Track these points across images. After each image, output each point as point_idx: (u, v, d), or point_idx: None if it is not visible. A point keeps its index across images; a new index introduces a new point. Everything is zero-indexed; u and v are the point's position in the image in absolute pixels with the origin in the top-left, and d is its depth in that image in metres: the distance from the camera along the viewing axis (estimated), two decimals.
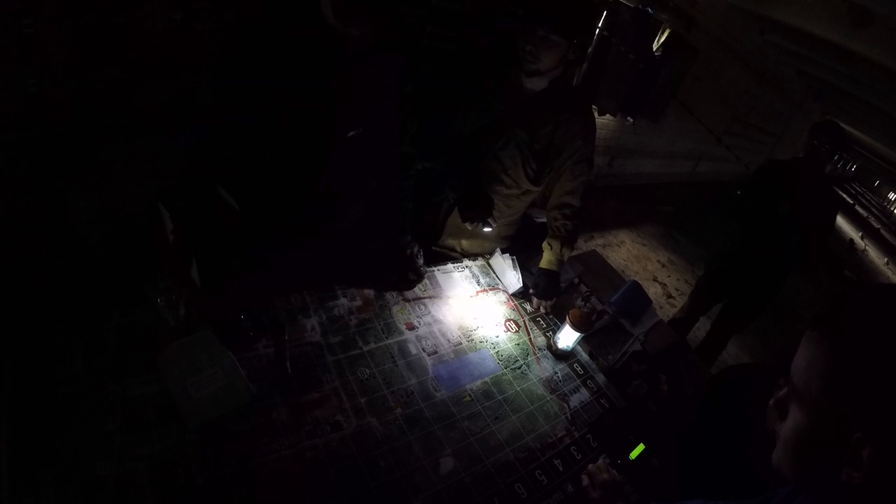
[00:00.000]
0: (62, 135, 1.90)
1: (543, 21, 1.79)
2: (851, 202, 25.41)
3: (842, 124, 3.36)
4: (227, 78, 1.65)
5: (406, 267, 2.07)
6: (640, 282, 2.49)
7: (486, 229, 2.12)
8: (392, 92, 1.81)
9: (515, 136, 2.07)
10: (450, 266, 2.31)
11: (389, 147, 1.95)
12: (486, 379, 1.85)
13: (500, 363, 1.94)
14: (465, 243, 2.44)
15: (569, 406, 1.89)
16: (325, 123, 1.68)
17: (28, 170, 1.88)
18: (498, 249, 2.40)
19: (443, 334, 1.96)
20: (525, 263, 2.39)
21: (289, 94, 1.59)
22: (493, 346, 2.00)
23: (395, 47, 1.74)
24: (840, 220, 17.08)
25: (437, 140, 2.07)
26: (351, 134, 1.75)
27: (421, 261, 2.11)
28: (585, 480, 1.58)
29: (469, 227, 2.16)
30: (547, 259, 2.30)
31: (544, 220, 2.44)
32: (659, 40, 6.20)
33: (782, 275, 3.66)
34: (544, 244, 2.33)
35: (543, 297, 2.27)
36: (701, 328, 4.36)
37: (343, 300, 1.92)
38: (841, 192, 25.79)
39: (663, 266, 6.28)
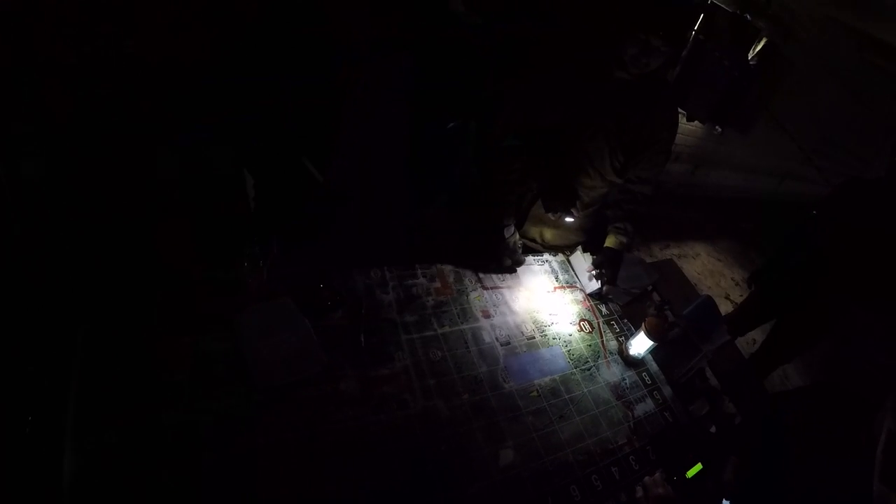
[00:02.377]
0: (153, 95, 1.94)
1: (661, 35, 1.76)
2: None
3: None
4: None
5: (503, 253, 2.08)
6: (713, 298, 2.41)
7: (569, 219, 2.11)
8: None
9: (604, 128, 2.03)
10: (530, 259, 2.30)
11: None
12: (556, 376, 1.85)
13: (571, 362, 1.93)
14: (546, 234, 2.42)
15: (633, 414, 1.86)
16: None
17: (120, 124, 1.93)
18: (579, 248, 2.38)
19: (517, 326, 1.96)
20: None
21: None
22: (565, 344, 1.99)
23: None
24: None
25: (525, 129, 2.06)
26: (450, 126, 1.76)
27: (520, 250, 2.12)
28: (640, 492, 1.56)
29: (552, 217, 2.15)
30: (614, 238, 2.27)
31: None
32: (755, 49, 5.95)
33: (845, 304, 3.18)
34: (610, 227, 2.30)
35: (601, 267, 2.23)
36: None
37: (422, 280, 1.94)
38: None
39: (737, 284, 6.04)
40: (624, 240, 2.26)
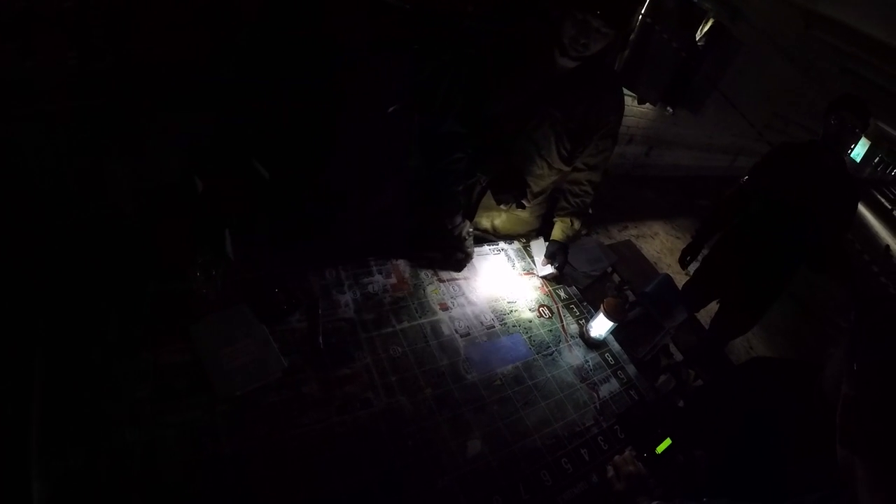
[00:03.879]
0: (102, 107, 1.91)
1: (599, 15, 1.76)
2: (890, 207, 24.68)
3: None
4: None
5: (454, 247, 2.06)
6: (671, 275, 2.45)
7: (520, 210, 2.11)
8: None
9: (549, 116, 2.03)
10: (486, 248, 2.30)
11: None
12: (518, 364, 1.84)
13: (533, 348, 1.92)
14: (497, 223, 2.42)
15: (598, 395, 1.87)
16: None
17: (68, 139, 1.89)
18: (541, 237, 2.39)
19: (476, 316, 1.95)
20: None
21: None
22: (525, 331, 1.98)
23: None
24: (877, 225, 16.61)
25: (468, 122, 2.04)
26: (391, 109, 1.75)
27: (470, 241, 2.10)
28: (611, 471, 1.56)
29: (504, 209, 2.14)
30: (560, 230, 2.29)
31: None
32: (702, 30, 6.05)
33: (785, 274, 3.26)
34: (556, 219, 2.32)
35: (552, 258, 2.26)
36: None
37: (378, 277, 1.92)
38: (880, 196, 25.05)
39: (696, 261, 6.18)
40: (570, 233, 2.28)
